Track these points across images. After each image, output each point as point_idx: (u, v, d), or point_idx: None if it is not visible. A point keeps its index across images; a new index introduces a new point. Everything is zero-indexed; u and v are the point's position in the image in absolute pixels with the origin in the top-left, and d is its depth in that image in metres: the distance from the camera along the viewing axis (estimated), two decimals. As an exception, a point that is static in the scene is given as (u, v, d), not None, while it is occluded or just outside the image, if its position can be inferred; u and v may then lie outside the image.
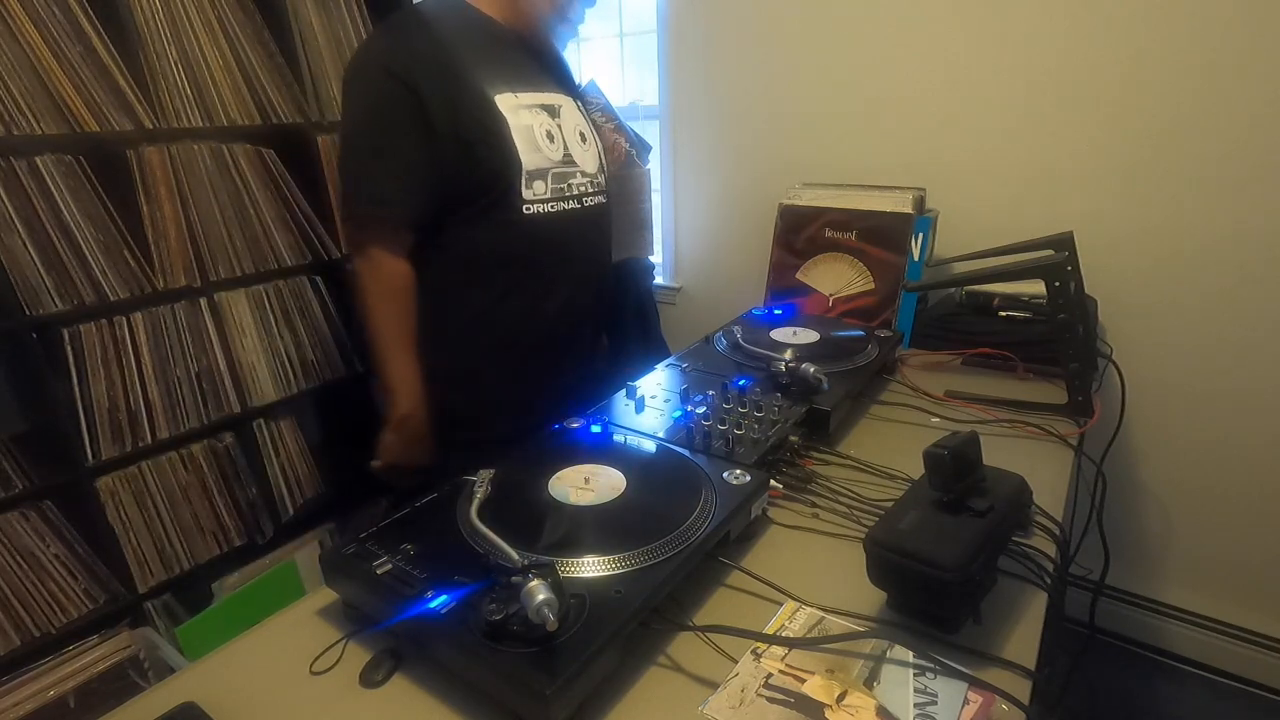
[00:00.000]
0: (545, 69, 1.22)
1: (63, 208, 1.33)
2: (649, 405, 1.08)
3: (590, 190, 1.22)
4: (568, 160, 1.17)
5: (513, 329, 1.18)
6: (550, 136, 1.14)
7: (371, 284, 1.11)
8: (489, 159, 1.07)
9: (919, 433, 1.13)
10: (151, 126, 1.44)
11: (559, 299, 1.20)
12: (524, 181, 1.10)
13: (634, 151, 2.07)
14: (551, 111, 1.16)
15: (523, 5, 1.15)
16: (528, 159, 1.10)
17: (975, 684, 0.63)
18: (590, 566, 0.68)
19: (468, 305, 1.16)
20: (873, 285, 1.58)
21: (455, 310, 1.16)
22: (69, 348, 1.37)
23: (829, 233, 1.63)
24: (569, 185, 1.17)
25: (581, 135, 1.22)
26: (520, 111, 1.10)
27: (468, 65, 1.07)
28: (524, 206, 1.11)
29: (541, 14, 1.16)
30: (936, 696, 0.62)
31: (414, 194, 1.06)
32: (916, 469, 0.76)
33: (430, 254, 1.12)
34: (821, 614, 0.73)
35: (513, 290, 1.16)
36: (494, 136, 1.07)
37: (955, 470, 0.71)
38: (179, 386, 1.53)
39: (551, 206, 1.15)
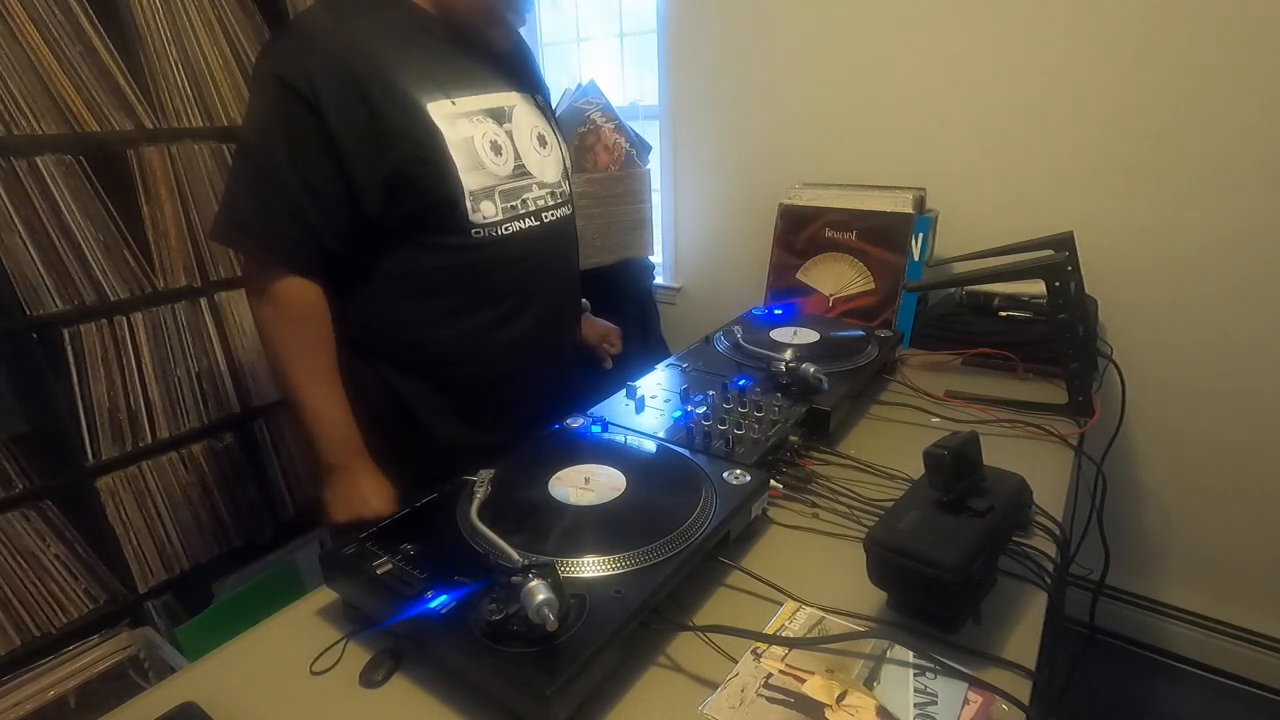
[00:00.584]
0: (491, 64, 1.03)
1: (63, 208, 1.33)
2: (649, 405, 1.08)
3: (551, 203, 1.07)
4: (520, 173, 1.02)
5: (459, 360, 1.03)
6: (497, 148, 0.98)
7: (274, 313, 0.94)
8: (422, 180, 0.92)
9: (919, 433, 1.13)
10: (151, 126, 1.44)
11: (522, 325, 1.06)
12: (469, 204, 0.95)
13: (634, 151, 2.07)
14: (498, 116, 1.00)
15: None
16: (469, 178, 0.94)
17: (975, 684, 0.63)
18: (590, 566, 0.68)
19: (406, 331, 1.01)
20: (873, 285, 1.58)
21: (390, 337, 1.02)
22: (69, 348, 1.37)
23: (829, 233, 1.63)
24: (523, 201, 1.02)
25: (540, 139, 1.07)
26: (458, 121, 0.94)
27: (390, 69, 0.90)
28: (472, 230, 0.96)
29: (465, 11, 0.98)
30: (936, 696, 0.62)
31: (318, 227, 0.91)
32: (916, 469, 0.76)
33: (363, 275, 0.98)
34: (821, 614, 0.73)
35: (460, 318, 1.01)
36: (427, 153, 0.91)
37: (955, 470, 0.71)
38: (179, 386, 1.53)
39: (505, 228, 0.99)
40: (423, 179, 0.92)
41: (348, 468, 1.00)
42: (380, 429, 1.04)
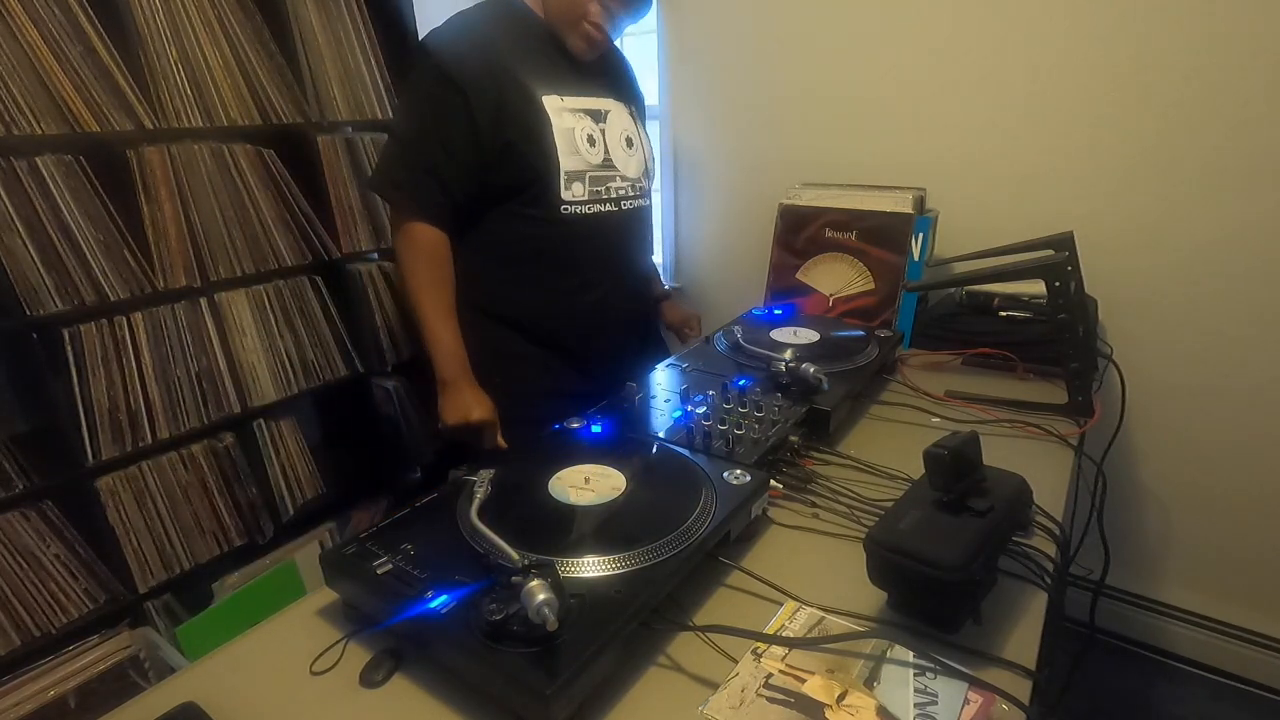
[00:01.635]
0: (597, 73, 1.26)
1: (63, 208, 1.33)
2: (649, 405, 1.08)
3: (629, 194, 1.26)
4: (607, 164, 1.22)
5: (542, 320, 1.24)
6: (591, 140, 1.19)
7: (409, 253, 1.17)
8: (529, 157, 1.13)
9: (919, 433, 1.13)
10: (151, 126, 1.44)
11: (591, 297, 1.24)
12: (562, 182, 1.15)
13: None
14: (596, 116, 1.21)
15: (550, 8, 1.18)
16: (566, 161, 1.15)
17: (975, 684, 0.63)
18: (590, 566, 0.68)
19: (501, 291, 1.22)
20: (873, 285, 1.58)
21: (488, 295, 1.22)
22: (69, 348, 1.37)
23: (829, 233, 1.63)
24: (607, 188, 1.22)
25: (628, 141, 1.27)
26: (564, 114, 1.15)
27: (518, 66, 1.12)
28: (562, 206, 1.16)
29: (557, 20, 1.18)
30: (936, 696, 0.62)
31: (451, 186, 1.13)
32: (916, 469, 0.76)
33: (471, 238, 1.20)
34: (821, 614, 0.73)
35: (544, 283, 1.22)
36: (536, 135, 1.12)
37: (955, 470, 0.71)
38: (179, 386, 1.53)
39: (589, 208, 1.19)
40: (529, 154, 1.13)
41: (457, 382, 1.19)
42: (476, 368, 1.23)
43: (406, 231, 1.16)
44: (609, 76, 1.29)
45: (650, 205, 1.35)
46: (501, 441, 1.22)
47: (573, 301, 1.23)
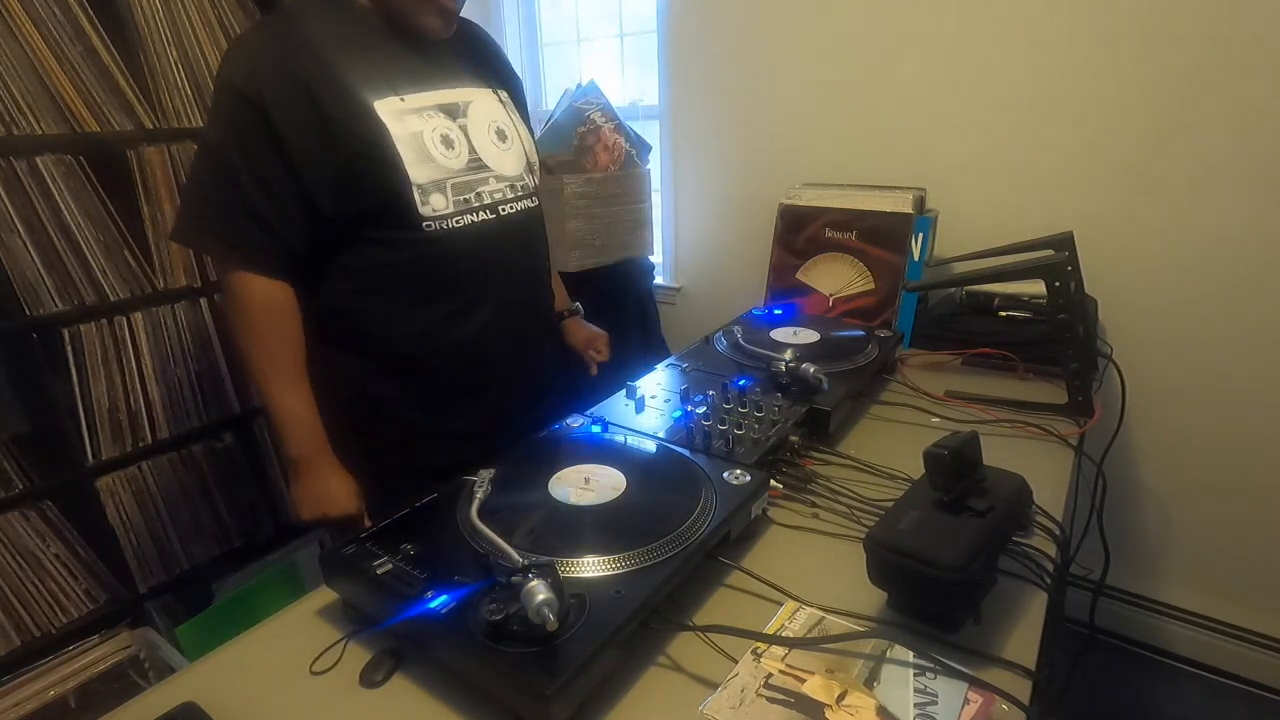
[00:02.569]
0: (446, 59, 1.06)
1: (63, 208, 1.33)
2: (649, 405, 1.08)
3: (509, 197, 1.08)
4: (475, 165, 1.03)
5: (419, 356, 1.05)
6: (448, 141, 1.01)
7: (239, 311, 0.98)
8: (371, 174, 0.95)
9: (919, 433, 1.13)
10: (151, 126, 1.44)
11: (474, 322, 1.06)
12: (417, 196, 0.97)
13: (634, 151, 2.07)
14: (451, 111, 1.02)
15: None
16: (416, 171, 0.96)
17: (975, 684, 0.63)
18: (590, 566, 0.68)
19: (368, 325, 1.03)
20: (873, 285, 1.58)
21: (355, 331, 1.03)
22: (69, 348, 1.37)
23: (829, 233, 1.63)
24: (477, 194, 1.03)
25: (499, 133, 1.08)
26: (406, 117, 0.97)
27: (339, 71, 0.93)
28: (423, 224, 0.98)
29: (396, 4, 0.99)
30: (936, 696, 0.62)
31: (278, 228, 0.94)
32: (916, 469, 0.76)
33: (325, 271, 1.01)
34: (821, 614, 0.73)
35: (416, 314, 1.03)
36: (373, 149, 0.94)
37: (955, 470, 0.71)
38: (179, 386, 1.53)
39: (456, 221, 1.01)
40: (370, 174, 0.95)
41: (313, 463, 1.02)
42: (348, 422, 1.06)
43: (233, 287, 0.96)
44: (466, 60, 1.09)
45: (539, 206, 1.16)
46: (367, 521, 1.04)
47: (452, 330, 1.05)
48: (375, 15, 0.99)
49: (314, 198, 0.94)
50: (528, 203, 1.12)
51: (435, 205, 0.99)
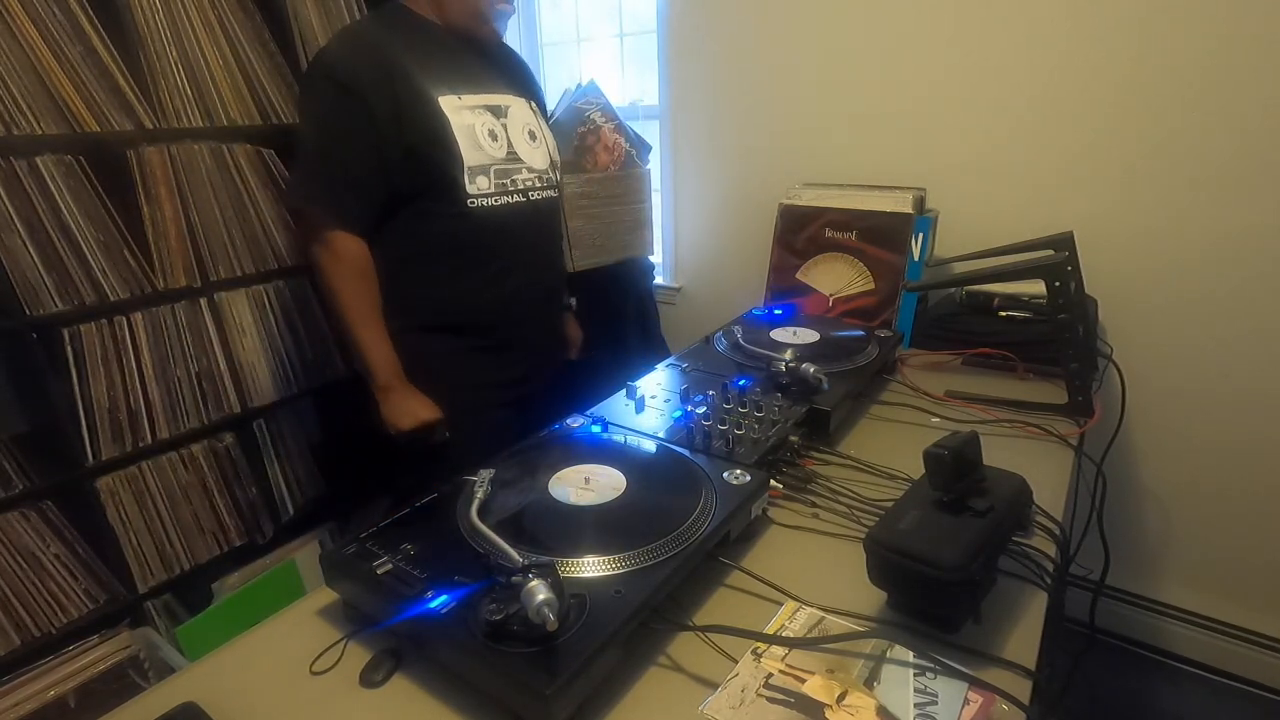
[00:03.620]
0: (493, 70, 1.28)
1: (63, 208, 1.33)
2: (649, 405, 1.08)
3: (537, 185, 1.29)
4: (512, 157, 1.24)
5: (460, 314, 1.25)
6: (493, 135, 1.21)
7: (333, 266, 1.17)
8: (433, 156, 1.15)
9: (919, 433, 1.13)
10: (151, 126, 1.44)
11: (506, 288, 1.26)
12: (467, 177, 1.17)
13: (634, 151, 2.07)
14: (496, 111, 1.23)
15: (446, 9, 1.21)
16: (469, 156, 1.17)
17: (975, 684, 0.63)
18: (590, 566, 0.68)
19: (417, 290, 1.23)
20: (873, 285, 1.58)
21: (404, 296, 1.23)
22: (69, 348, 1.37)
23: (829, 233, 1.63)
24: (513, 180, 1.24)
25: (530, 134, 1.29)
26: (462, 112, 1.17)
27: (412, 70, 1.13)
28: (468, 200, 1.18)
29: (458, 17, 1.21)
30: (936, 696, 0.62)
31: (367, 194, 1.15)
32: (916, 469, 0.77)
33: (385, 239, 1.20)
34: (821, 614, 0.73)
35: (458, 277, 1.23)
36: (437, 135, 1.14)
37: (955, 470, 0.71)
38: (179, 386, 1.53)
39: (495, 200, 1.21)
40: (433, 155, 1.15)
41: (396, 388, 1.22)
42: (412, 358, 1.25)
43: (328, 245, 1.16)
44: (506, 74, 1.32)
45: (559, 197, 1.38)
46: (444, 435, 1.26)
47: (488, 292, 1.25)
48: (443, 30, 1.22)
49: (390, 171, 1.14)
50: (551, 193, 1.33)
51: (480, 185, 1.19)
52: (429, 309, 1.25)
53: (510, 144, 1.24)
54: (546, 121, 1.38)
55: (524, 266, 1.29)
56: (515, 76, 1.35)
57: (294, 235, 1.68)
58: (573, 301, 1.56)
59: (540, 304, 1.36)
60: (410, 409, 1.22)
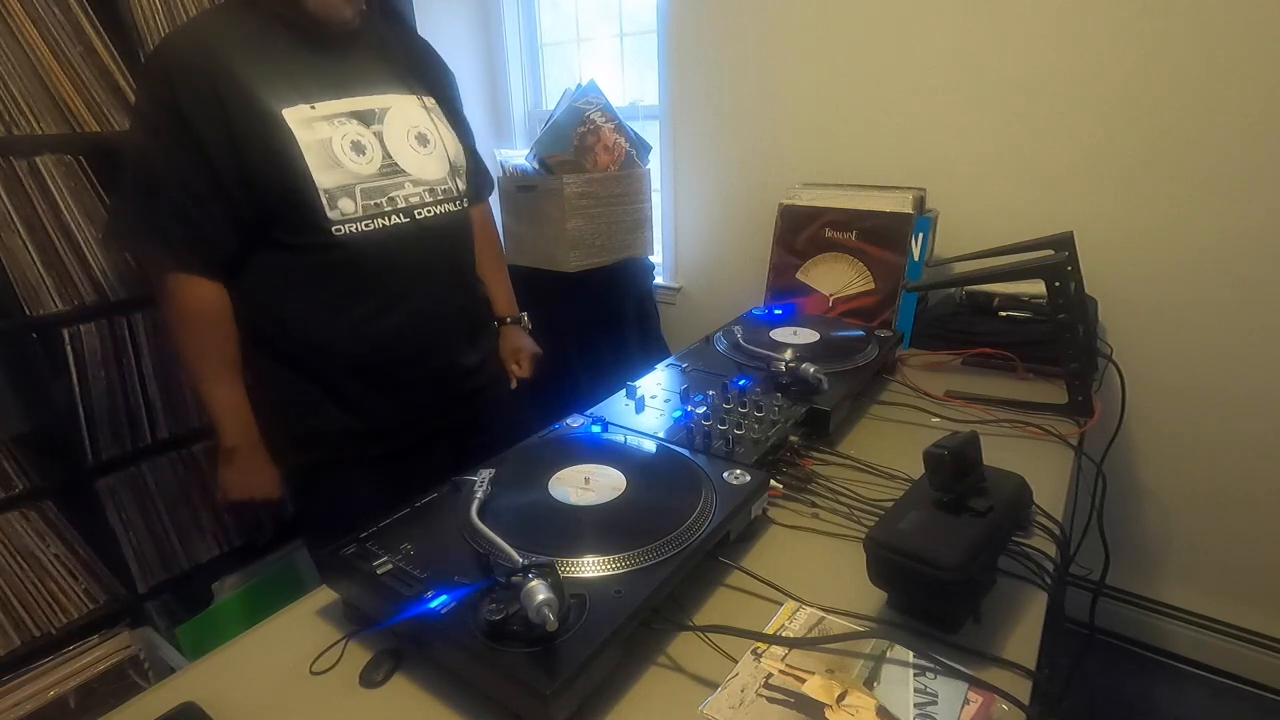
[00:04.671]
0: (368, 66, 1.08)
1: (63, 208, 1.33)
2: (649, 405, 1.08)
3: (428, 200, 1.09)
4: (389, 170, 1.05)
5: (332, 357, 1.07)
6: (359, 148, 1.02)
7: (177, 314, 1.02)
8: (276, 180, 0.97)
9: (919, 433, 1.13)
10: (151, 126, 1.44)
11: (392, 323, 1.08)
12: (324, 201, 0.99)
13: (634, 151, 2.07)
14: (365, 118, 1.04)
15: None
16: (322, 176, 0.98)
17: (975, 684, 0.63)
18: (590, 566, 0.68)
19: (285, 326, 1.06)
20: (873, 285, 1.58)
21: (272, 332, 1.06)
22: (69, 348, 1.37)
23: (829, 233, 1.63)
24: (390, 199, 1.05)
25: (420, 138, 1.09)
26: (315, 124, 0.99)
27: (249, 79, 0.96)
28: (332, 228, 1.00)
29: (311, 3, 1.00)
30: (936, 696, 0.62)
31: (204, 228, 0.98)
32: (916, 469, 0.77)
33: (244, 272, 1.04)
34: (821, 614, 0.73)
35: (328, 315, 1.05)
36: (278, 156, 0.96)
37: (955, 470, 0.71)
38: (179, 386, 1.53)
39: (367, 224, 1.02)
40: (274, 179, 0.97)
41: (244, 452, 1.09)
42: (270, 417, 1.11)
43: (170, 290, 1.00)
44: (389, 66, 1.11)
45: (464, 210, 1.17)
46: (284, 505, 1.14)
47: (366, 331, 1.07)
48: (287, 26, 1.01)
49: (228, 196, 0.97)
50: (449, 206, 1.14)
51: (344, 209, 1.01)
52: (296, 350, 1.07)
53: (387, 154, 1.05)
54: (453, 117, 1.19)
55: (412, 298, 1.09)
56: (401, 70, 1.13)
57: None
58: (523, 315, 1.40)
59: (435, 341, 1.15)
60: (248, 482, 1.10)
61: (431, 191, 1.10)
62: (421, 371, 1.14)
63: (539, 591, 0.57)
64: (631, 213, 2.07)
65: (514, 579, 0.59)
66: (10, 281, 1.28)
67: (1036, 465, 0.97)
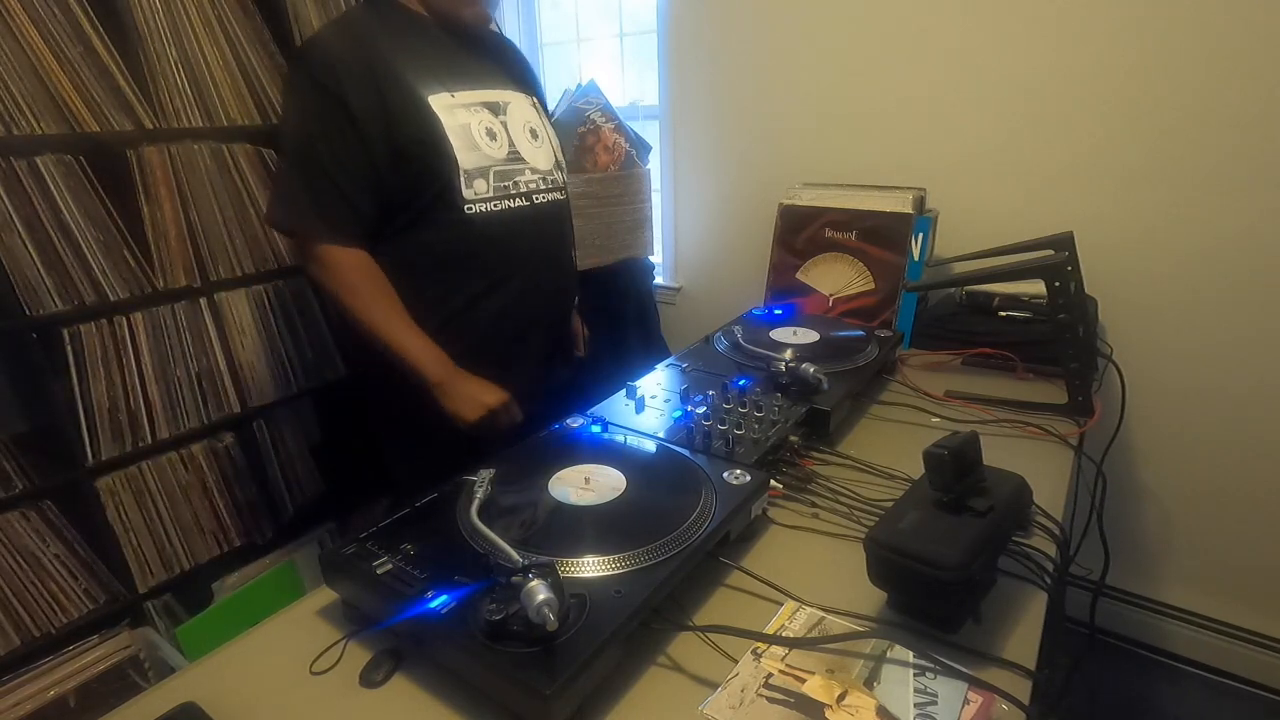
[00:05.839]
0: (490, 64, 1.19)
1: (63, 208, 1.33)
2: (649, 405, 1.08)
3: (542, 187, 1.20)
4: (514, 157, 1.15)
5: (454, 330, 1.14)
6: (492, 134, 1.12)
7: (338, 281, 1.08)
8: (424, 159, 1.06)
9: (919, 433, 1.13)
10: (151, 126, 1.44)
11: (506, 299, 1.17)
12: (463, 180, 1.08)
13: (634, 151, 2.07)
14: (494, 109, 1.14)
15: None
16: (464, 158, 1.08)
17: (975, 684, 0.63)
18: (590, 566, 0.68)
19: (411, 300, 1.12)
20: (873, 285, 1.58)
21: (404, 302, 1.13)
22: (69, 348, 1.37)
23: (829, 233, 1.63)
24: (515, 183, 1.15)
25: (532, 132, 1.20)
26: (456, 110, 1.09)
27: (399, 68, 1.05)
28: (465, 206, 1.10)
29: (441, 3, 1.12)
30: (936, 696, 0.62)
31: (356, 202, 1.06)
32: (916, 469, 0.76)
33: (375, 251, 1.11)
34: (821, 614, 0.73)
35: (453, 291, 1.14)
36: (428, 136, 1.06)
37: (955, 470, 0.71)
38: (179, 386, 1.53)
39: (495, 205, 1.13)
40: (423, 158, 1.06)
41: (455, 377, 1.13)
42: (397, 403, 1.15)
43: (325, 261, 1.07)
44: (505, 67, 1.23)
45: (567, 200, 1.29)
46: (518, 415, 1.18)
47: (485, 307, 1.16)
48: (430, 23, 1.13)
49: (379, 176, 1.05)
50: (557, 195, 1.24)
51: (478, 189, 1.11)
52: (423, 323, 1.13)
53: (512, 143, 1.15)
54: (547, 119, 1.30)
55: (527, 278, 1.19)
56: (514, 71, 1.26)
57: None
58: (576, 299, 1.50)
59: (544, 316, 1.26)
60: (473, 395, 1.13)
61: (544, 180, 1.21)
62: (524, 348, 1.23)
63: (539, 591, 0.57)
64: (631, 213, 2.07)
65: (514, 579, 0.59)
66: (10, 281, 1.28)
67: (1036, 465, 0.97)
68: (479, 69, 1.17)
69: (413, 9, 1.12)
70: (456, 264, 1.13)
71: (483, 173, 1.11)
